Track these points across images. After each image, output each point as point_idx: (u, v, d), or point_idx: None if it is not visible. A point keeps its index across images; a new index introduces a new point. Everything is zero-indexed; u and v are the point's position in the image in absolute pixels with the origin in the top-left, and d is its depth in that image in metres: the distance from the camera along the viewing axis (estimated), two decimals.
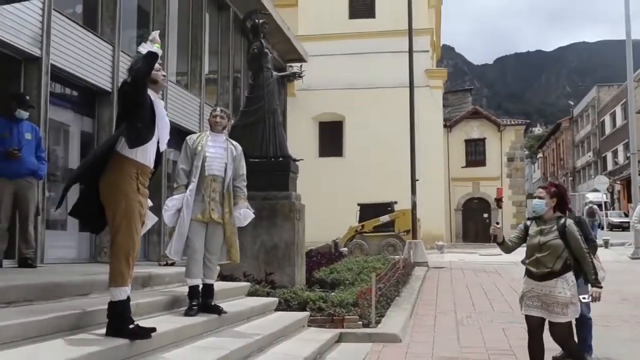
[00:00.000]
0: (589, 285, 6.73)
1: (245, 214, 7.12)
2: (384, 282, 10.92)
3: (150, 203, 5.46)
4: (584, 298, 5.99)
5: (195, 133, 7.69)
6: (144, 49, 5.00)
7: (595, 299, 5.89)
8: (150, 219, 5.41)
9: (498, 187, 7.58)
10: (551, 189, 6.02)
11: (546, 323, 5.90)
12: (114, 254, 4.88)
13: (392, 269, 12.75)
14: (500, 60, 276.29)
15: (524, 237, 6.10)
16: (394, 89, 29.63)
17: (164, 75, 5.47)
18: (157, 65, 5.28)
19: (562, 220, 5.90)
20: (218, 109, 7.38)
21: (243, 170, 7.22)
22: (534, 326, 5.93)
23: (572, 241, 5.81)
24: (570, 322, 5.92)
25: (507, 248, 6.18)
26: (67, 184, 5.15)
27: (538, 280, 5.83)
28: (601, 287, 5.91)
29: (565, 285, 5.72)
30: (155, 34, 5.06)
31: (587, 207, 44.93)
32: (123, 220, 4.84)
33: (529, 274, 5.95)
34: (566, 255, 5.78)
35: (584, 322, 6.93)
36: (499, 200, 6.41)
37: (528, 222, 6.17)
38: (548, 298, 5.75)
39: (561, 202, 5.96)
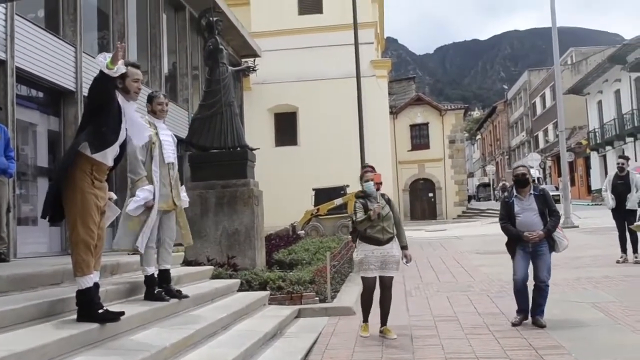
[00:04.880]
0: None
1: (185, 194, 6.90)
2: (338, 260, 11.03)
3: (114, 196, 5.41)
4: (406, 263, 7.00)
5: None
6: (99, 60, 4.79)
7: (409, 260, 7.00)
8: (113, 211, 5.36)
9: (377, 173, 7.84)
10: (375, 172, 7.13)
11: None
12: (75, 245, 4.82)
13: (346, 248, 12.86)
14: (440, 50, 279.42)
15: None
16: (342, 80, 29.67)
17: (139, 89, 5.32)
18: (136, 75, 5.21)
19: (386, 197, 7.05)
20: (161, 94, 6.82)
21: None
22: (372, 284, 6.88)
23: (395, 212, 7.02)
24: None
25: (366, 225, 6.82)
26: (49, 196, 4.97)
27: (383, 244, 6.79)
28: (407, 248, 7.04)
29: (396, 246, 6.89)
30: (117, 52, 4.74)
31: (500, 184, 48.22)
32: (79, 213, 4.78)
33: (374, 241, 6.78)
34: (392, 223, 6.89)
35: (542, 289, 6.99)
36: (379, 184, 6.65)
37: (361, 200, 6.94)
38: (387, 258, 6.78)
39: (379, 181, 7.12)
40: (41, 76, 10.30)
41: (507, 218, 7.16)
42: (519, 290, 7.12)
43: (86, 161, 4.85)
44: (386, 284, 6.89)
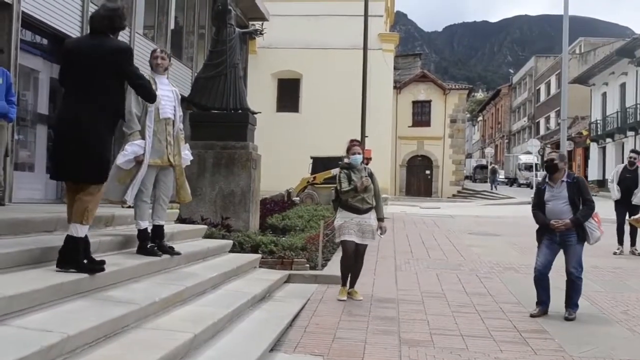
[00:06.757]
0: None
1: (189, 153, 6.93)
2: (331, 229, 11.03)
3: None
4: (380, 234, 7.44)
5: None
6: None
7: (384, 231, 7.45)
8: None
9: (367, 148, 7.96)
10: (360, 146, 7.54)
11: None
12: (94, 196, 4.88)
13: None
14: (449, 29, 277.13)
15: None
16: (349, 51, 29.50)
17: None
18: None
19: (369, 170, 7.43)
20: (158, 49, 6.83)
21: (181, 111, 6.90)
22: (352, 248, 7.23)
23: (376, 185, 7.37)
24: None
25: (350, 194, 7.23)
26: (90, 161, 4.91)
27: (362, 213, 7.22)
28: (384, 220, 7.49)
29: (374, 217, 7.31)
30: None
31: (490, 167, 49.48)
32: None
33: (353, 209, 7.21)
34: (372, 195, 7.30)
35: (572, 281, 6.71)
36: (368, 159, 6.78)
37: (346, 171, 7.33)
38: (365, 226, 7.21)
39: (369, 157, 7.15)
40: (46, 22, 10.17)
41: (538, 205, 6.88)
42: (539, 281, 6.80)
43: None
44: (360, 251, 7.35)
